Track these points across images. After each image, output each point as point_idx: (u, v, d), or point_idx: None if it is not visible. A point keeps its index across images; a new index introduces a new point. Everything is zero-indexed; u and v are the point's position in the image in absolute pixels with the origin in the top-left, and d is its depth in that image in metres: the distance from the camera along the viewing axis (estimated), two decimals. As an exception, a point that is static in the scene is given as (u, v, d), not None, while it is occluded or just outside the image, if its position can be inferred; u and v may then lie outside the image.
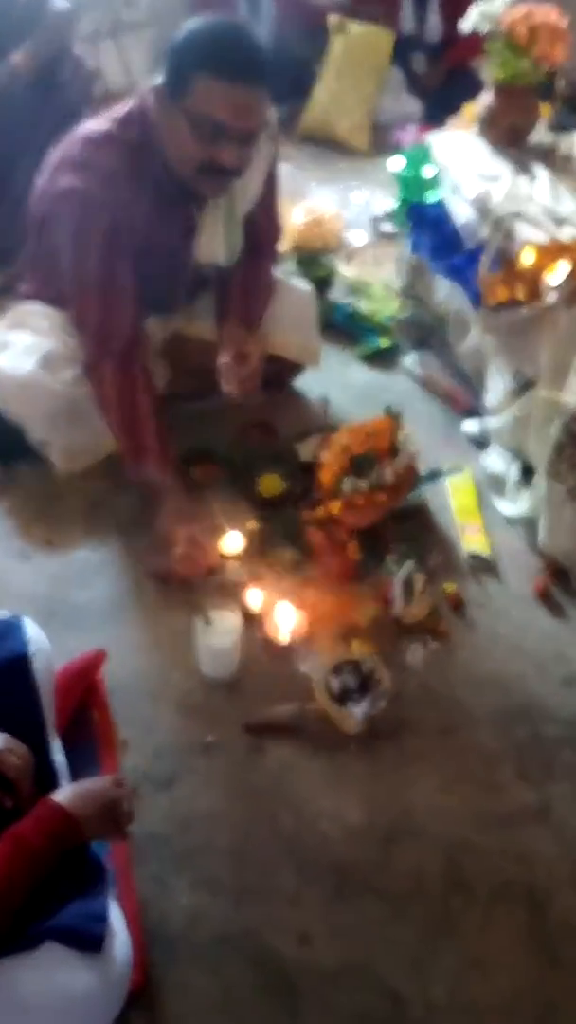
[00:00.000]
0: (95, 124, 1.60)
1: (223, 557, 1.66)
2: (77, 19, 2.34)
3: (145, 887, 1.22)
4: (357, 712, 1.40)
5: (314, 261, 2.47)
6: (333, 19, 3.40)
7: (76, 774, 1.19)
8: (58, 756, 1.19)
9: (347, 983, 1.18)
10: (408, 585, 1.62)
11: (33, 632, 1.21)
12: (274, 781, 1.38)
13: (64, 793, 1.03)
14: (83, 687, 1.37)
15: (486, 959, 1.21)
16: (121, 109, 1.59)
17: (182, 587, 1.62)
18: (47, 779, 1.11)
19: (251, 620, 1.55)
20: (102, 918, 1.00)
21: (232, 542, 1.68)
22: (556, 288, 1.62)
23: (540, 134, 2.09)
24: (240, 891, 1.25)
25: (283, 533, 1.71)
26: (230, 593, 1.59)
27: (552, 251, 1.64)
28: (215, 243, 1.73)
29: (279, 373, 2.04)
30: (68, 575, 1.67)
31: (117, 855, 1.22)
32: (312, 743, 1.42)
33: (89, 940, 0.97)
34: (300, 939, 1.21)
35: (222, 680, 1.49)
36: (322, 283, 2.37)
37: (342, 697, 1.42)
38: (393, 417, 1.68)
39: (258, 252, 1.83)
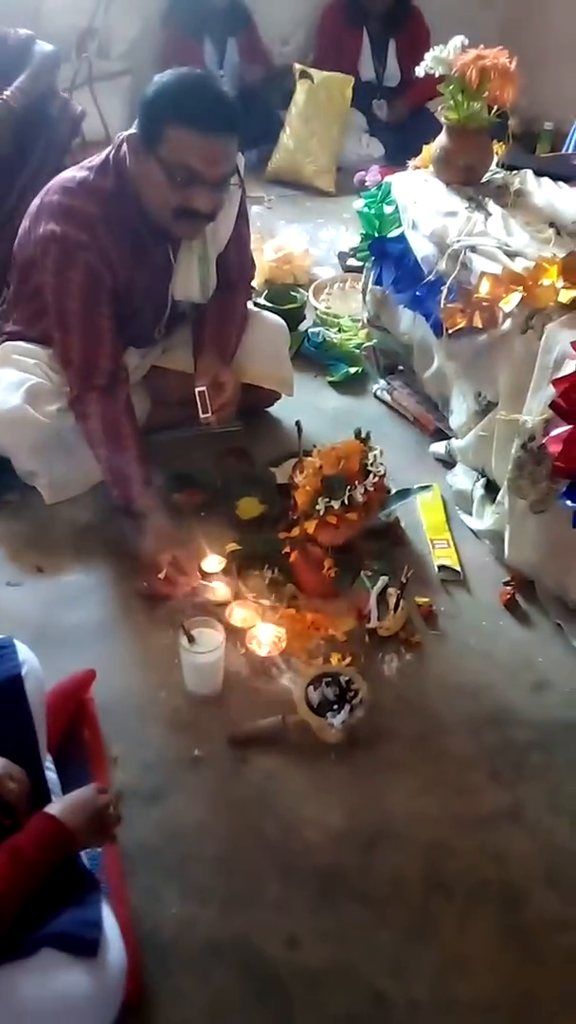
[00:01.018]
0: (73, 172, 1.69)
1: (205, 577, 1.72)
2: (61, 61, 2.45)
3: (137, 898, 1.25)
4: (336, 722, 1.44)
5: (285, 295, 2.56)
6: (296, 67, 3.55)
7: (69, 790, 1.21)
8: (50, 773, 1.23)
9: (334, 985, 1.20)
10: (382, 599, 1.69)
11: (25, 654, 1.25)
12: (259, 791, 1.42)
13: (55, 806, 1.07)
14: (74, 705, 1.41)
15: (466, 957, 1.24)
16: (97, 158, 1.68)
17: (167, 607, 1.68)
18: (40, 795, 1.14)
19: (234, 637, 1.61)
20: (96, 924, 1.02)
21: (213, 563, 1.74)
22: (511, 315, 1.72)
23: (493, 172, 2.21)
24: (229, 899, 1.28)
25: (262, 553, 1.77)
26: (213, 612, 1.65)
27: (506, 281, 1.74)
28: (190, 281, 1.82)
29: (255, 402, 2.12)
30: (58, 599, 1.72)
31: (110, 867, 1.26)
32: (294, 753, 1.46)
33: (84, 944, 0.99)
34: (288, 943, 1.24)
35: (207, 696, 1.54)
36: (293, 315, 2.47)
37: (322, 708, 1.47)
38: (362, 440, 1.75)
39: (231, 288, 1.92)
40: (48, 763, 1.25)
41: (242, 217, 1.86)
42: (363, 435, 1.76)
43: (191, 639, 1.49)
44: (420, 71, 2.08)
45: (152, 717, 1.51)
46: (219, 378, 1.81)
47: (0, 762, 1.08)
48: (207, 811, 1.39)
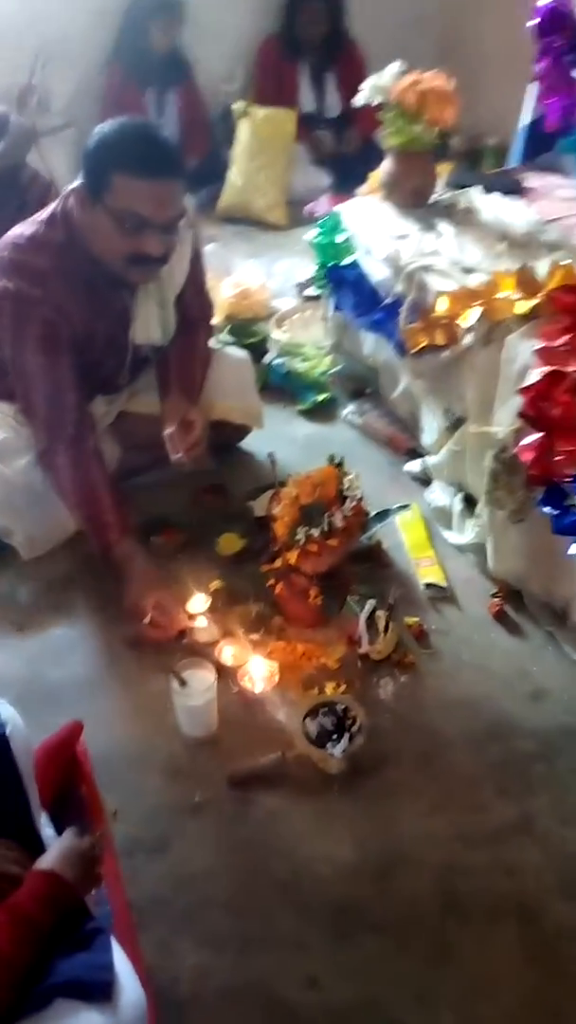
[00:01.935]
0: (21, 228, 1.69)
1: (191, 618, 1.70)
2: (36, 135, 2.59)
3: (151, 952, 1.23)
4: (337, 752, 1.43)
5: (246, 329, 2.59)
6: (237, 106, 3.61)
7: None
8: (47, 830, 1.21)
9: (358, 1021, 1.18)
10: (372, 623, 1.68)
11: (7, 713, 1.23)
12: (264, 831, 1.40)
13: (47, 860, 1.05)
14: (64, 759, 1.38)
15: (489, 977, 1.23)
16: (45, 212, 1.69)
17: (155, 652, 1.66)
18: (38, 855, 1.13)
19: (225, 675, 1.60)
20: (107, 966, 0.99)
21: (198, 603, 1.73)
22: (471, 330, 1.75)
23: (441, 192, 2.25)
24: (244, 943, 1.26)
25: (247, 588, 1.77)
26: (202, 652, 1.63)
27: (463, 298, 1.77)
28: (150, 325, 1.83)
29: (226, 437, 2.13)
30: (42, 655, 1.70)
31: (120, 924, 1.23)
32: (297, 788, 1.45)
33: (97, 987, 0.96)
34: (307, 983, 1.22)
35: (203, 738, 1.52)
36: (256, 348, 2.49)
37: (321, 739, 1.46)
38: (337, 465, 1.76)
39: (192, 327, 1.93)
40: (44, 820, 1.23)
41: (196, 257, 1.88)
42: (337, 461, 1.76)
43: (182, 682, 1.47)
44: (359, 100, 2.12)
45: (149, 766, 1.49)
46: (187, 418, 1.81)
47: None
48: (214, 856, 1.37)
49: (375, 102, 2.10)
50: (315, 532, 1.62)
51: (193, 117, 3.68)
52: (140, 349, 1.88)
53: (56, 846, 1.07)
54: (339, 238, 2.23)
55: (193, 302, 1.91)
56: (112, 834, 1.36)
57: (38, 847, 1.14)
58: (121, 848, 1.35)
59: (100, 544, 1.74)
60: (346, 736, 1.45)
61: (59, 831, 1.24)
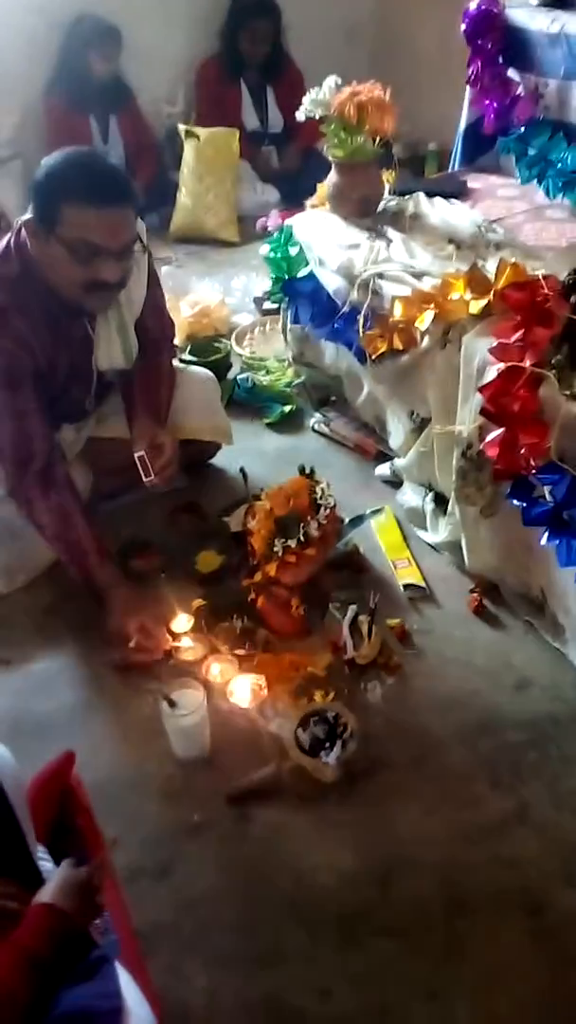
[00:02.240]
0: None
1: (176, 638, 1.70)
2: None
3: (160, 977, 1.22)
4: (331, 760, 1.44)
5: (208, 347, 2.60)
6: (181, 128, 3.63)
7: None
8: (45, 864, 1.20)
9: (375, 1028, 1.19)
10: (355, 628, 1.70)
11: None
12: (265, 846, 1.40)
13: (45, 893, 1.04)
14: (58, 791, 1.37)
15: (500, 971, 1.24)
16: (-3, 247, 1.69)
17: (142, 676, 1.66)
18: (38, 888, 1.12)
19: (214, 693, 1.60)
20: (114, 993, 0.99)
21: (182, 622, 1.73)
22: (427, 333, 1.77)
23: (387, 200, 2.28)
24: (254, 960, 1.26)
25: (228, 603, 1.77)
26: (189, 671, 1.64)
27: (417, 301, 1.80)
28: (112, 350, 1.83)
29: (196, 455, 2.14)
30: (29, 688, 1.68)
31: (127, 951, 1.22)
32: (294, 800, 1.45)
33: (106, 1015, 0.95)
34: (320, 995, 1.22)
35: (197, 758, 1.52)
36: (219, 365, 2.50)
37: (314, 748, 1.46)
38: (307, 475, 1.77)
39: (155, 349, 1.93)
40: (41, 853, 1.22)
41: (153, 279, 1.89)
42: (308, 470, 1.78)
43: (172, 703, 1.47)
44: (300, 115, 2.15)
45: (145, 790, 1.48)
46: (156, 440, 1.82)
47: None
48: (217, 876, 1.36)
49: (316, 116, 2.12)
50: (292, 543, 1.63)
51: (138, 141, 3.71)
52: (104, 375, 1.88)
53: (53, 879, 1.06)
54: (292, 251, 2.26)
55: (153, 324, 1.91)
56: (113, 862, 1.36)
57: (37, 881, 1.13)
58: (123, 875, 1.35)
59: (81, 572, 1.73)
60: (339, 743, 1.46)
61: (58, 863, 1.23)
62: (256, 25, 3.64)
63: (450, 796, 1.46)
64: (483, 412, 1.53)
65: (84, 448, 2.01)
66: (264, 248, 2.40)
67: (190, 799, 1.47)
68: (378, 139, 2.12)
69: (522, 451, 1.46)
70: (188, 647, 1.69)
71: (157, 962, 1.24)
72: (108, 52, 3.46)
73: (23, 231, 1.62)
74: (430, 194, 2.30)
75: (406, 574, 1.87)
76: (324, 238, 2.14)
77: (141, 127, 3.73)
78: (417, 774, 1.49)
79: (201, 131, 3.59)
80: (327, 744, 1.47)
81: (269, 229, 3.47)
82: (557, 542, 1.46)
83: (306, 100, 2.13)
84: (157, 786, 1.49)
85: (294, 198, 3.36)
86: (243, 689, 1.60)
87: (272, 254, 2.32)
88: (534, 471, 1.46)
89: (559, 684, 1.64)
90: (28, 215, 1.60)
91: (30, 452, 1.71)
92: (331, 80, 2.11)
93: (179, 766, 1.52)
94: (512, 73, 2.38)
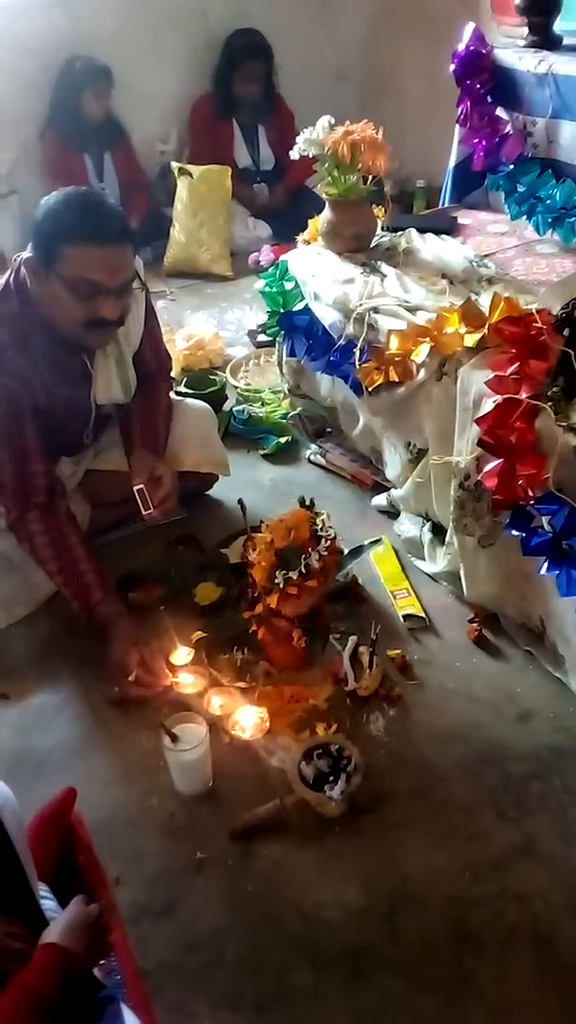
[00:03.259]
0: None
1: (176, 671, 1.70)
2: None
3: (166, 1017, 1.20)
4: (335, 794, 1.42)
5: (204, 380, 2.62)
6: (174, 165, 3.70)
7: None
8: (47, 901, 1.18)
9: (384, 1068, 1.17)
10: (356, 660, 1.69)
11: None
12: (270, 882, 1.38)
13: (53, 933, 1.03)
14: (59, 829, 1.36)
15: (510, 1007, 1.22)
16: (-4, 286, 1.71)
17: (142, 710, 1.65)
18: (40, 927, 1.10)
19: (216, 726, 1.59)
20: None
21: (182, 655, 1.72)
22: (423, 365, 1.80)
23: (380, 236, 2.32)
24: (261, 999, 1.24)
25: (228, 635, 1.77)
26: (190, 705, 1.63)
27: (413, 335, 1.82)
28: (111, 384, 1.85)
29: (194, 487, 2.15)
30: (29, 723, 1.67)
31: (132, 991, 1.20)
32: (298, 835, 1.44)
33: None
34: (329, 1034, 1.20)
35: (199, 793, 1.51)
36: (215, 398, 2.52)
37: (318, 782, 1.45)
38: (307, 507, 1.78)
39: (152, 382, 1.95)
40: (44, 891, 1.20)
41: (150, 314, 1.91)
42: (307, 502, 1.79)
43: (174, 738, 1.46)
44: (294, 154, 2.19)
45: (147, 827, 1.47)
46: (155, 472, 1.83)
47: None
48: (221, 914, 1.35)
49: (310, 154, 2.17)
50: (293, 575, 1.63)
51: (131, 179, 3.76)
52: (102, 408, 1.89)
53: (62, 917, 1.05)
54: (287, 286, 2.29)
55: (151, 358, 1.94)
56: (117, 901, 1.34)
57: (39, 920, 1.12)
58: (127, 915, 1.33)
59: (82, 606, 1.73)
60: (343, 777, 1.45)
61: (60, 901, 1.21)
62: (249, 66, 3.72)
63: (455, 829, 1.45)
64: (481, 443, 1.55)
65: (82, 481, 2.01)
66: (259, 283, 2.43)
67: (193, 835, 1.45)
68: (370, 177, 2.16)
69: (520, 482, 1.47)
70: (188, 680, 1.68)
71: (162, 1002, 1.22)
72: (101, 93, 3.53)
73: (22, 269, 1.64)
74: (421, 230, 2.35)
75: (406, 604, 1.87)
76: (319, 273, 2.17)
77: (134, 165, 3.79)
78: (421, 807, 1.48)
79: (194, 168, 3.65)
80: (331, 778, 1.45)
81: (261, 263, 3.52)
82: (556, 572, 1.47)
83: (300, 139, 2.17)
84: (159, 822, 1.48)
85: (285, 233, 3.42)
86: (245, 722, 1.59)
87: (267, 288, 2.35)
88: (532, 501, 1.47)
89: (561, 715, 1.64)
90: (27, 253, 1.63)
91: (31, 485, 1.72)
92: (324, 120, 2.16)
93: (181, 802, 1.50)
94: (500, 112, 2.44)
